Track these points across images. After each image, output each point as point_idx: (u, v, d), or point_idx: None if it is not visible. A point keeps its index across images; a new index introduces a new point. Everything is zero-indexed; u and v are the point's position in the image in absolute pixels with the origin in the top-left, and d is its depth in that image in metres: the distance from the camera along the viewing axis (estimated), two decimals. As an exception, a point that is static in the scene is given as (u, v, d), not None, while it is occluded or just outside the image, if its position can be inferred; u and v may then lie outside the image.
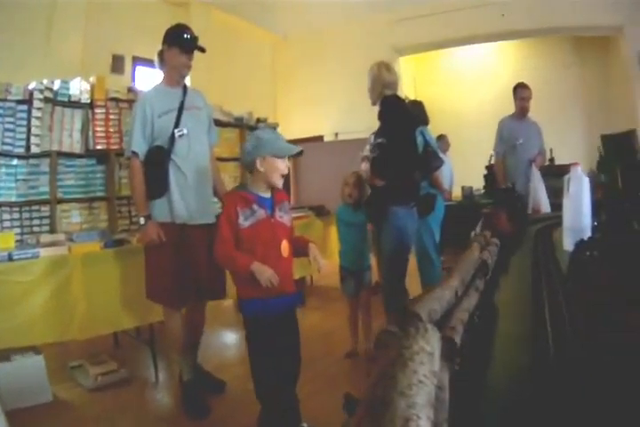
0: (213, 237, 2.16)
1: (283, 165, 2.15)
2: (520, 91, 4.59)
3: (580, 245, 1.31)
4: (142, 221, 2.67)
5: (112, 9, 6.41)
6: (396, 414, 0.38)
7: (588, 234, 1.70)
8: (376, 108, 3.12)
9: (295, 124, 9.14)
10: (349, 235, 3.35)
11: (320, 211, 5.13)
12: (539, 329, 0.85)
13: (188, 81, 2.95)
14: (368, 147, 3.16)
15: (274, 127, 5.70)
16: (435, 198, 3.84)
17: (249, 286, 2.04)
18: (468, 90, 9.51)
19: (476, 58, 9.59)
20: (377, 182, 3.04)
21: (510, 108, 4.73)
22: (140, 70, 6.70)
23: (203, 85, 5.53)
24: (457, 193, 6.61)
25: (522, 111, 4.62)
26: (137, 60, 6.64)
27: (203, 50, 2.82)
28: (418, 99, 4.77)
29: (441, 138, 6.30)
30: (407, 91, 7.91)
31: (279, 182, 2.17)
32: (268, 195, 2.17)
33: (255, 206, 2.09)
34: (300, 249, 2.24)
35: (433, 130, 4.15)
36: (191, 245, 2.69)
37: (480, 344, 0.81)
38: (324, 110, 9.33)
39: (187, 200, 2.71)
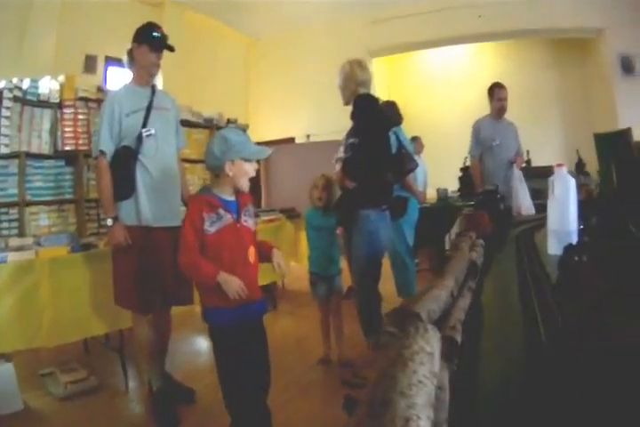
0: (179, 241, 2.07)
1: (252, 169, 2.08)
2: (497, 91, 4.54)
3: (569, 249, 1.28)
4: (110, 222, 2.60)
5: (86, 9, 6.32)
6: (396, 414, 0.38)
7: (574, 238, 1.66)
8: (348, 109, 3.07)
9: (267, 126, 9.11)
10: (319, 240, 3.28)
11: (291, 213, 5.09)
12: (531, 329, 0.86)
13: (160, 80, 2.89)
14: (342, 148, 3.09)
15: (244, 129, 5.66)
16: (407, 201, 3.77)
17: (214, 294, 1.96)
18: (443, 92, 9.43)
19: (453, 59, 9.53)
20: (348, 184, 2.95)
21: (487, 109, 4.71)
22: (113, 70, 6.56)
23: (175, 85, 5.64)
24: (431, 195, 6.61)
25: (500, 112, 4.56)
26: (109, 60, 6.52)
27: (172, 49, 2.78)
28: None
29: (415, 139, 6.24)
30: (380, 93, 7.86)
31: (246, 186, 2.10)
32: (232, 198, 2.08)
33: (221, 211, 2.00)
34: (263, 254, 2.16)
35: (406, 132, 4.10)
36: (157, 248, 2.62)
37: (476, 344, 0.81)
38: (296, 112, 9.28)
39: (153, 202, 2.64)
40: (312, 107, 8.92)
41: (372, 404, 0.41)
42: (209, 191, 2.09)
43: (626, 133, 3.49)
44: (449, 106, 9.20)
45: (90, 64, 6.38)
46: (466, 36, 8.24)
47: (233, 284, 1.91)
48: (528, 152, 6.56)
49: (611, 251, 1.19)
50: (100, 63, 6.54)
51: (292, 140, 9.02)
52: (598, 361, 0.67)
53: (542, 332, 0.82)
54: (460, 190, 6.29)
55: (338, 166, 3.10)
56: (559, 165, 1.76)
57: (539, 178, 3.80)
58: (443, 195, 6.55)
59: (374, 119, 3.01)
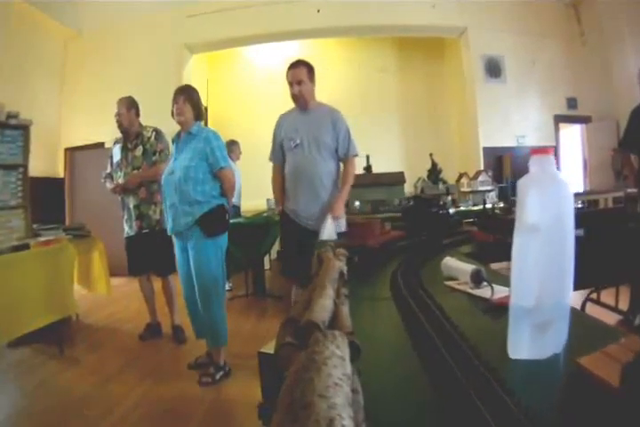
0: None
1: None
2: (287, 73, 3.14)
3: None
4: None
5: None
6: (319, 415, 0.37)
7: (565, 322, 0.82)
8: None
9: (79, 129, 7.72)
10: None
11: (79, 232, 4.21)
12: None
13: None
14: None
15: (26, 125, 4.60)
16: (226, 213, 3.05)
17: None
18: (274, 92, 8.04)
19: (289, 57, 8.60)
20: None
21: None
22: None
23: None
24: (251, 207, 6.20)
25: (294, 101, 3.23)
26: None
27: None
28: (210, 102, 3.78)
29: (232, 144, 5.76)
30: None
31: None
32: None
33: None
34: None
35: (225, 135, 3.47)
36: None
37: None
38: (107, 114, 8.08)
39: None
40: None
41: (291, 408, 0.40)
42: None
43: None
44: (278, 107, 8.29)
45: None
46: (302, 31, 7.56)
47: None
48: (368, 158, 5.78)
49: None
50: None
51: (101, 145, 7.96)
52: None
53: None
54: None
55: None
56: (540, 151, 0.84)
57: (382, 186, 3.33)
58: (269, 206, 6.17)
59: None
